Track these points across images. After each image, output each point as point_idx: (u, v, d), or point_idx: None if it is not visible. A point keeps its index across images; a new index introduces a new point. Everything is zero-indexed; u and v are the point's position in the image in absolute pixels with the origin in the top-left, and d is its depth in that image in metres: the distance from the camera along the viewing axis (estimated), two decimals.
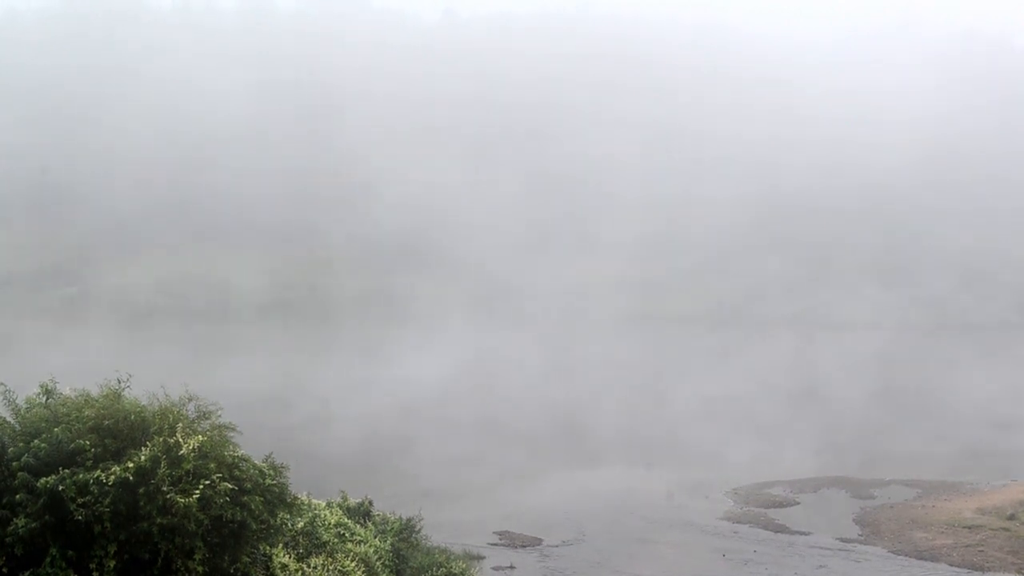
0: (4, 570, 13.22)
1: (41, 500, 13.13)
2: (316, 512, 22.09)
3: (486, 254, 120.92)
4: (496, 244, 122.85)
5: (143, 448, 13.88)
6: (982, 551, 38.92)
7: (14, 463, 13.53)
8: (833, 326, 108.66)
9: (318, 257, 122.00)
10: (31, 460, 13.47)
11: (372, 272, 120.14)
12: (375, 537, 23.58)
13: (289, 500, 15.54)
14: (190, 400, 15.59)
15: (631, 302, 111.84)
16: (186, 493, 13.36)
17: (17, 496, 13.22)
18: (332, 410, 69.30)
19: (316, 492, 27.12)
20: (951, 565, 37.83)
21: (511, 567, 36.61)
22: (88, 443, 13.84)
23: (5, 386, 15.14)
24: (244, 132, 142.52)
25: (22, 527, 13.04)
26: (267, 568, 16.16)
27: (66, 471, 13.30)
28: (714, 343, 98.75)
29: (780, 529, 43.28)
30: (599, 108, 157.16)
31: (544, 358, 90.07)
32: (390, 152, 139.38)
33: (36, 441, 13.68)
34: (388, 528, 25.51)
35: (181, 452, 13.75)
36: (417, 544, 26.72)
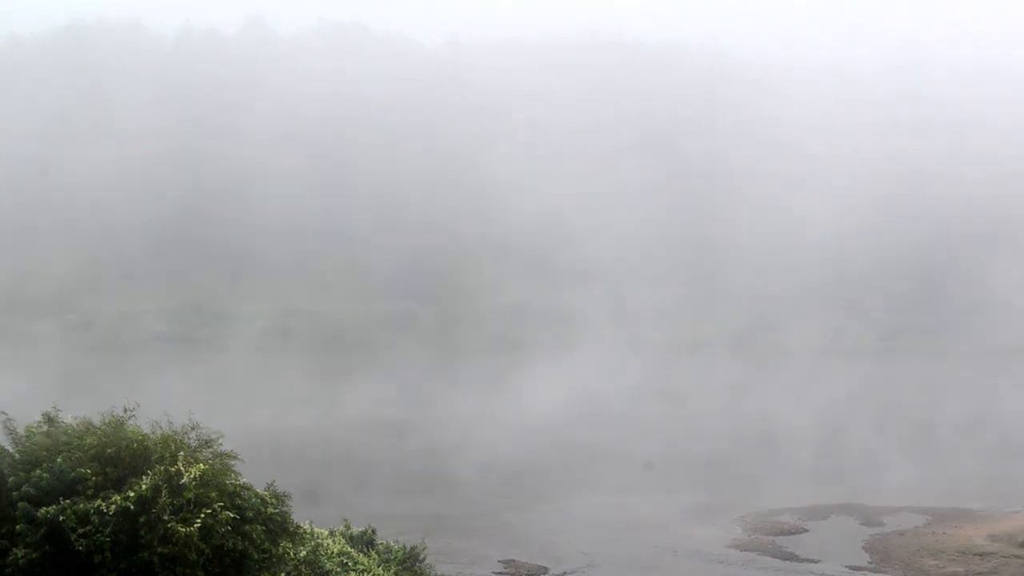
0: None
1: (41, 530, 13.12)
2: (319, 541, 22.02)
3: (609, 272, 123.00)
4: (618, 262, 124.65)
5: (144, 477, 13.87)
6: None
7: (14, 493, 13.53)
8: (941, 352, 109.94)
9: (436, 283, 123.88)
10: (31, 490, 13.48)
11: (490, 293, 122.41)
12: (378, 566, 23.47)
13: (291, 529, 15.51)
14: (192, 428, 15.59)
15: (747, 322, 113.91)
16: (187, 522, 13.34)
17: (17, 526, 13.21)
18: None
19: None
20: None
21: None
22: (89, 472, 13.85)
23: (6, 414, 15.18)
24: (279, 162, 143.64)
25: (22, 557, 13.02)
26: None
27: (66, 501, 13.30)
28: (824, 366, 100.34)
29: (789, 557, 43.01)
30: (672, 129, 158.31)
31: (656, 380, 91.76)
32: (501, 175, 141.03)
33: (37, 471, 13.69)
34: (392, 557, 25.40)
35: (182, 481, 13.74)
36: (422, 573, 26.59)
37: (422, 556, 27.08)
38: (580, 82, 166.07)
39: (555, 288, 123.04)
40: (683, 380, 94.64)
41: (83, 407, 15.65)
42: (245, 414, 73.59)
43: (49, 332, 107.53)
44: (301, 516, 26.66)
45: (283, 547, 15.34)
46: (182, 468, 13.95)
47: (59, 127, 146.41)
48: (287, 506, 15.43)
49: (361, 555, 23.77)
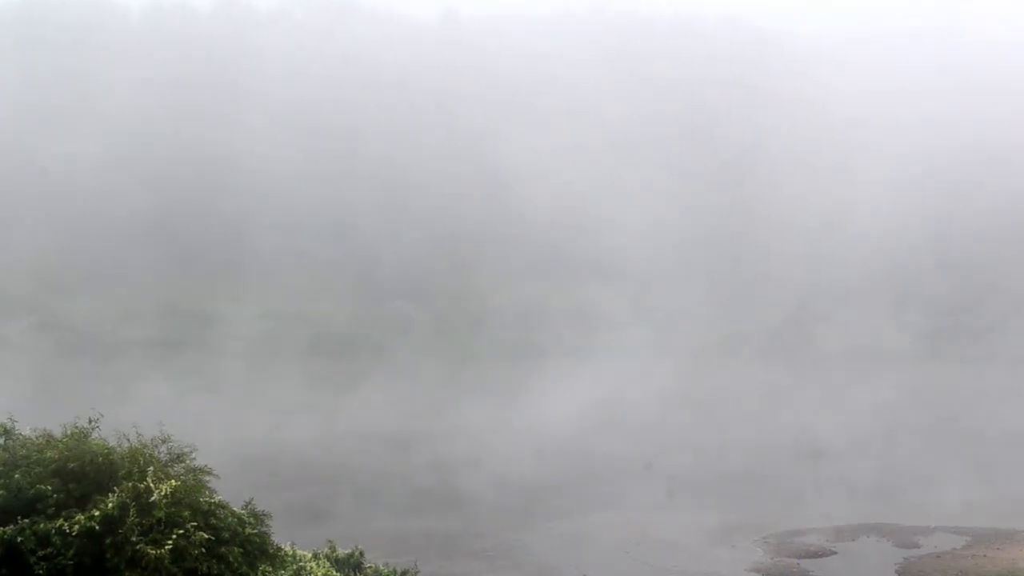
0: None
1: None
2: (301, 564, 21.93)
3: (631, 267, 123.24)
4: (641, 256, 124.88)
5: (110, 494, 13.77)
6: None
7: None
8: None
9: (445, 288, 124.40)
10: None
11: (502, 291, 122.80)
12: None
13: (271, 551, 15.42)
14: (163, 441, 15.50)
15: (780, 323, 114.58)
16: (157, 544, 13.23)
17: None
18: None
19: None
20: None
21: None
22: (50, 489, 13.74)
23: None
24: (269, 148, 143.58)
25: None
26: None
27: (25, 521, 13.19)
28: (862, 372, 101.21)
29: None
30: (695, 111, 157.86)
31: (683, 387, 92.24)
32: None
33: None
34: None
35: (152, 499, 13.63)
36: None
37: None
38: (592, 61, 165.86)
39: (573, 285, 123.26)
40: (712, 387, 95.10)
41: (60, 419, 15.56)
42: (238, 425, 74.12)
43: (19, 335, 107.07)
44: (301, 536, 26.77)
45: (262, 571, 15.24)
46: (152, 485, 13.84)
47: (23, 111, 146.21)
48: (266, 526, 15.34)
49: None
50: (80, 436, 14.99)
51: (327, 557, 25.07)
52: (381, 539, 43.48)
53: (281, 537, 21.97)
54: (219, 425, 69.99)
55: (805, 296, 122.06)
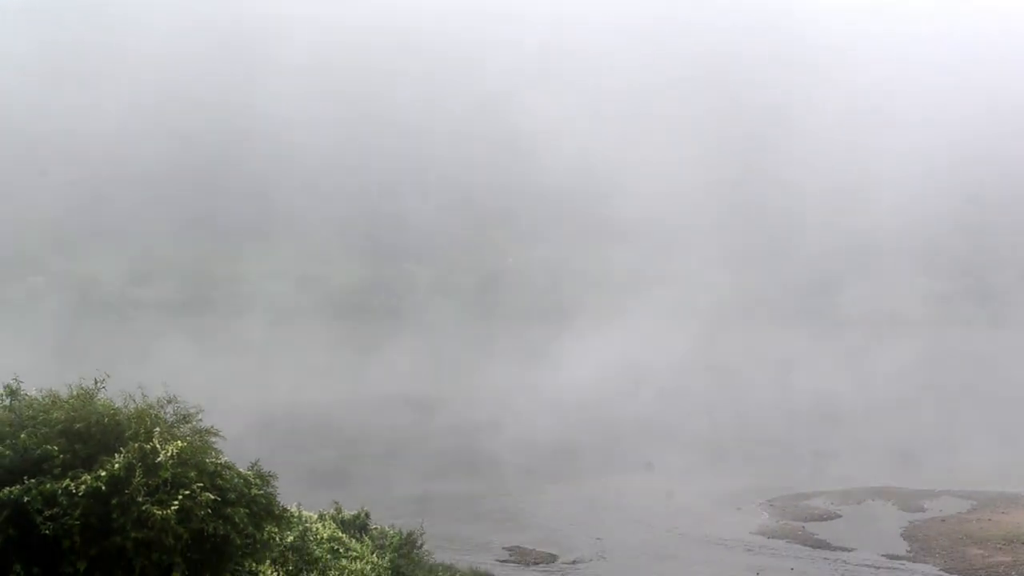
0: None
1: (4, 512, 13.07)
2: (307, 525, 22.08)
3: (654, 228, 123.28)
4: (663, 218, 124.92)
5: (116, 455, 13.79)
6: None
7: None
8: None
9: (471, 246, 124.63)
10: None
11: (525, 253, 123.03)
12: (372, 553, 23.53)
13: (277, 512, 15.44)
14: (169, 402, 15.51)
15: (802, 286, 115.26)
16: (163, 504, 13.26)
17: None
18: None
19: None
20: None
21: None
22: (56, 449, 13.76)
23: None
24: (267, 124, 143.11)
25: None
26: None
27: (31, 480, 13.23)
28: (882, 336, 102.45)
29: (820, 545, 43.16)
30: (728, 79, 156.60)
31: (704, 351, 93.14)
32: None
33: None
34: (387, 543, 25.49)
35: (158, 459, 13.65)
36: (419, 560, 26.70)
37: (420, 542, 27.22)
38: (611, 21, 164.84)
39: (593, 247, 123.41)
40: (733, 350, 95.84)
41: (77, 380, 15.56)
42: (258, 387, 74.58)
43: (34, 294, 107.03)
44: (320, 498, 26.90)
45: (268, 532, 15.28)
46: (158, 445, 13.85)
47: (39, 70, 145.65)
48: (272, 487, 15.38)
49: (353, 540, 23.86)
50: (86, 397, 15.00)
51: (333, 518, 25.25)
52: (395, 501, 43.84)
53: (300, 499, 22.17)
54: (238, 387, 70.44)
55: (825, 261, 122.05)
